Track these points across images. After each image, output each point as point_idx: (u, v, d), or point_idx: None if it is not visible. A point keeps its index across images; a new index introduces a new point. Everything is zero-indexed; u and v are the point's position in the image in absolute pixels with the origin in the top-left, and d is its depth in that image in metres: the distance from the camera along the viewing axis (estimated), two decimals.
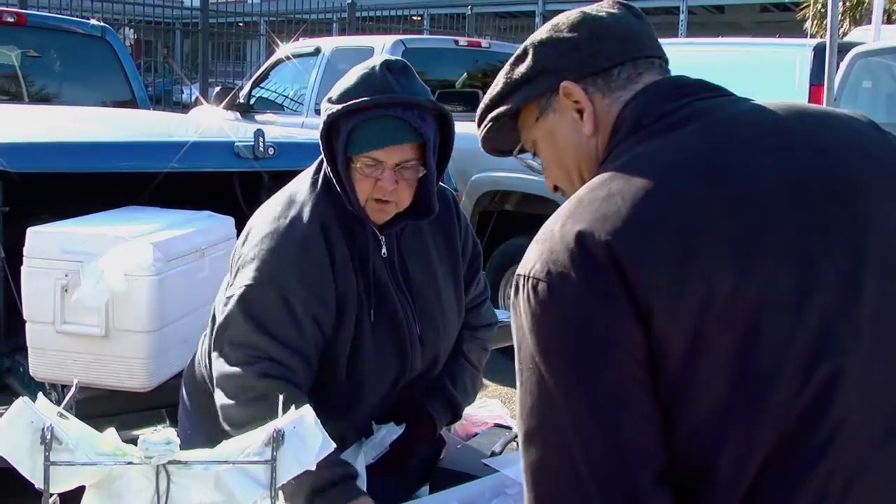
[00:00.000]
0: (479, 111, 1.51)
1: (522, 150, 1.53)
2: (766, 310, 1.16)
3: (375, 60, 2.07)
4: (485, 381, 6.72)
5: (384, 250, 2.12)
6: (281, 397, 1.58)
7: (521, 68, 1.44)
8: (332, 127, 2.02)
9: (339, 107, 2.00)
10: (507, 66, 1.47)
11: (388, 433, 2.15)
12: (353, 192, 2.03)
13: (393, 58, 2.09)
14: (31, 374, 3.20)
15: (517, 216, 7.30)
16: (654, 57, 1.43)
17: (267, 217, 2.10)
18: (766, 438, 1.16)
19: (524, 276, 1.22)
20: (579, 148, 1.40)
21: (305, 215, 2.05)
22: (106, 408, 3.05)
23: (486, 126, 1.51)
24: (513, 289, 1.25)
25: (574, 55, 1.40)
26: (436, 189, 2.13)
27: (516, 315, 1.24)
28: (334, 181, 2.05)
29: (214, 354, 2.03)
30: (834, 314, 1.18)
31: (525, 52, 1.45)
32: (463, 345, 2.33)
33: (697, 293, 1.15)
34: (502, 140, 1.52)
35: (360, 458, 2.09)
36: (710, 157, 1.26)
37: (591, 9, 1.45)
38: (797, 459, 1.16)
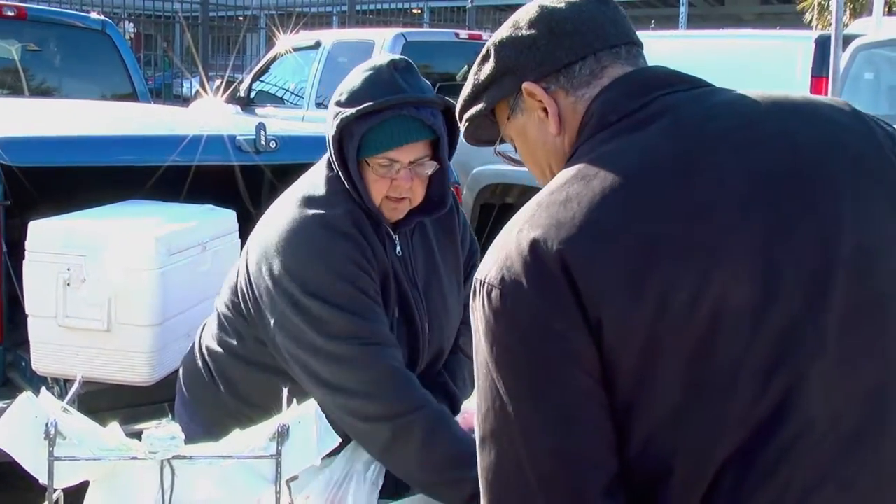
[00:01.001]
0: (457, 108, 1.50)
1: (504, 142, 1.51)
2: (724, 317, 1.14)
3: (379, 60, 2.07)
4: None
5: (398, 249, 2.13)
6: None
7: (486, 70, 1.41)
8: (344, 130, 2.02)
9: (353, 110, 2.00)
10: (475, 66, 1.44)
11: None
12: (368, 193, 2.04)
13: (397, 56, 2.11)
14: (33, 368, 3.20)
15: (519, 209, 7.31)
16: (620, 45, 1.37)
17: (295, 220, 2.06)
18: (723, 445, 1.15)
19: (480, 282, 1.21)
20: (547, 146, 1.37)
21: (337, 210, 2.06)
22: (109, 402, 3.04)
23: (464, 124, 1.50)
24: (471, 293, 1.24)
25: (533, 54, 1.36)
26: (450, 180, 2.15)
27: (474, 319, 1.23)
28: (346, 182, 2.05)
29: (311, 355, 1.97)
30: (798, 321, 1.16)
31: (488, 53, 1.42)
32: (461, 339, 2.34)
33: (651, 302, 1.13)
34: (483, 133, 1.50)
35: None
36: (673, 158, 1.22)
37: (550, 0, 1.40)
38: (755, 466, 1.14)
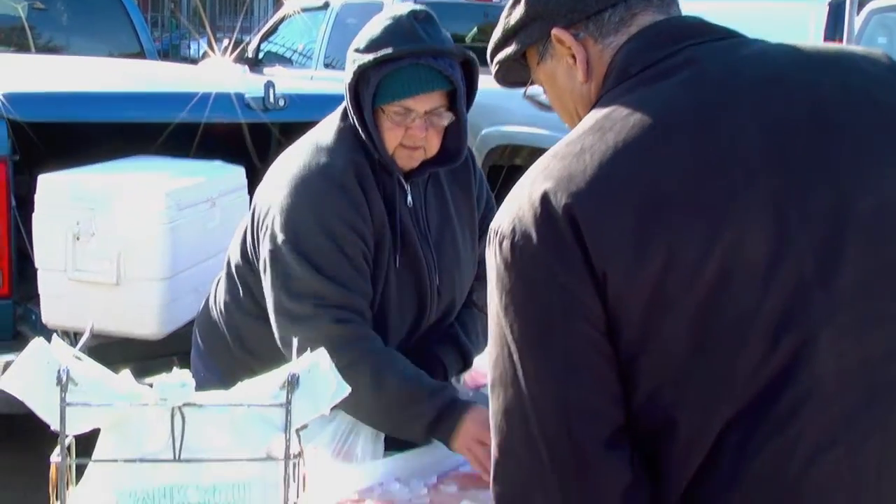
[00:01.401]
0: (488, 51, 1.49)
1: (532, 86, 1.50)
2: (733, 276, 1.13)
3: (400, 9, 2.07)
4: None
5: (409, 199, 2.13)
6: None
7: (516, 14, 1.40)
8: (361, 76, 2.02)
9: (371, 57, 2.00)
10: (505, 10, 1.43)
11: None
12: (381, 141, 2.04)
13: (418, 6, 2.10)
14: (43, 321, 3.22)
15: (526, 169, 7.29)
16: None
17: (299, 166, 2.09)
18: (729, 402, 1.15)
19: (494, 231, 1.22)
20: (574, 93, 1.37)
21: (339, 162, 2.07)
22: (118, 356, 3.06)
23: (494, 66, 1.49)
24: (486, 240, 1.25)
25: (563, 0, 1.34)
26: (466, 132, 2.14)
27: (487, 268, 1.24)
28: (361, 130, 2.05)
29: (273, 310, 2.02)
30: (808, 283, 1.15)
31: None
32: (475, 294, 2.34)
33: (658, 259, 1.13)
34: (513, 77, 1.49)
35: None
36: (691, 111, 1.21)
37: None
38: (761, 426, 1.14)
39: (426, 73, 2.00)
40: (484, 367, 2.68)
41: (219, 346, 2.17)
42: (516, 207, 1.20)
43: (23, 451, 2.43)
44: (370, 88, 2.01)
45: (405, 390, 1.94)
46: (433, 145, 2.09)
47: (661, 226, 1.14)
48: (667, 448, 1.17)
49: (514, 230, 1.18)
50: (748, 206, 1.15)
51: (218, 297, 2.28)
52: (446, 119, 2.07)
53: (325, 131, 2.14)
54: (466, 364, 2.29)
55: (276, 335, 2.02)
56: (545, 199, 1.17)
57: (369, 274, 2.05)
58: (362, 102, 2.03)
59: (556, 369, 1.17)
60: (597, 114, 1.25)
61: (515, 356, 1.18)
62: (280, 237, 2.01)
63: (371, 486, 1.86)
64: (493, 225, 1.23)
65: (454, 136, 2.13)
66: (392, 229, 2.10)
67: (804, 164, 1.18)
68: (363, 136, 2.06)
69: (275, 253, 2.02)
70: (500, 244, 1.19)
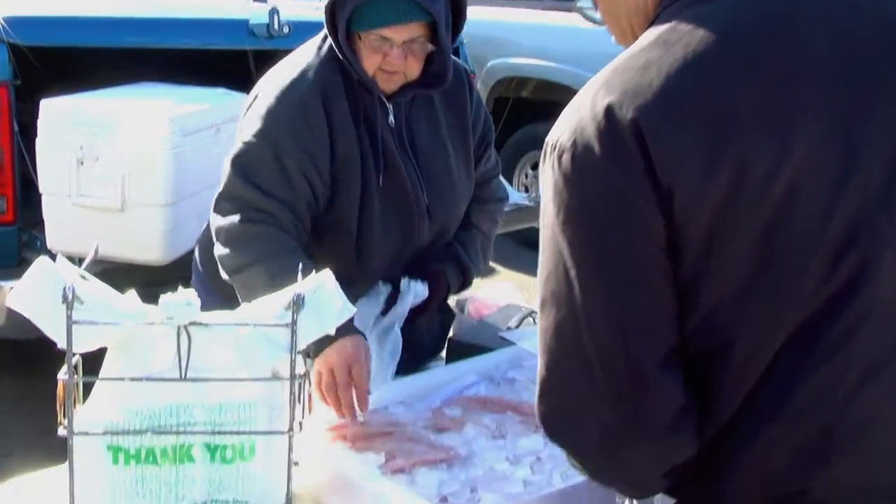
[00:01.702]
0: None
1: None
2: (801, 193, 1.11)
3: None
4: (497, 267, 6.77)
5: (391, 118, 2.12)
6: (301, 265, 1.59)
7: None
8: (337, 1, 2.00)
9: None
10: None
11: (416, 294, 2.14)
12: (360, 65, 2.03)
13: None
14: (48, 247, 3.21)
15: (533, 103, 7.22)
16: None
17: (270, 80, 2.12)
18: (786, 322, 1.14)
19: (551, 145, 1.19)
20: (629, 4, 1.31)
21: (307, 79, 2.07)
22: (122, 282, 3.06)
23: None
24: (542, 154, 1.22)
25: None
26: (450, 60, 2.12)
27: (542, 181, 1.21)
28: (338, 52, 2.04)
29: (212, 209, 2.09)
30: (874, 202, 1.13)
31: None
32: (473, 215, 2.34)
33: (726, 175, 1.11)
34: None
35: (396, 326, 2.10)
36: (758, 23, 1.18)
37: None
38: (817, 345, 1.13)
39: (403, 4, 1.98)
40: (487, 300, 2.69)
41: (217, 269, 2.17)
42: (576, 121, 1.17)
43: (32, 378, 2.44)
44: (345, 13, 1.99)
45: None
46: (413, 71, 2.07)
47: (730, 141, 1.12)
48: (718, 373, 1.16)
49: (575, 143, 1.15)
50: (818, 121, 1.13)
51: None
52: (426, 49, 2.05)
53: (307, 49, 2.15)
54: (466, 281, 2.29)
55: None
56: (609, 112, 1.14)
57: (305, 187, 2.05)
58: (338, 26, 2.02)
59: (614, 285, 1.15)
60: (658, 28, 1.21)
61: (572, 272, 1.15)
62: (235, 145, 2.08)
63: (375, 408, 1.87)
64: (549, 139, 1.20)
65: (439, 61, 2.10)
66: (374, 148, 2.09)
67: (872, 77, 1.16)
68: (341, 58, 2.05)
69: (230, 157, 2.08)
70: (560, 157, 1.17)
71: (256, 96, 2.11)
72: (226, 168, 2.07)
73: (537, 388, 1.21)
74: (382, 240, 2.11)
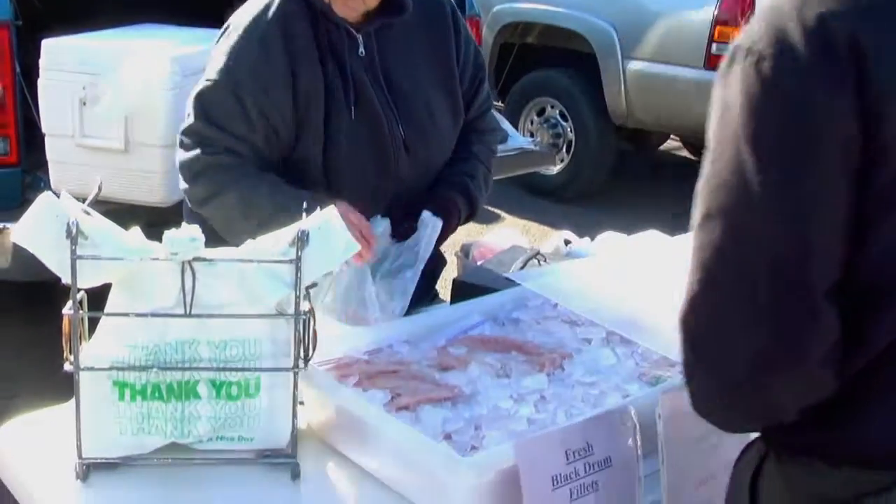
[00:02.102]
0: None
1: None
2: None
3: None
4: (501, 213, 6.76)
5: (361, 49, 2.09)
6: (304, 204, 1.60)
7: None
8: None
9: None
10: None
11: (433, 228, 2.11)
12: None
13: None
14: (52, 188, 3.21)
15: (538, 49, 7.17)
16: None
17: (237, 15, 2.13)
18: None
19: (746, 49, 1.12)
20: None
21: (269, 13, 2.06)
22: (125, 224, 3.06)
23: None
24: (726, 59, 1.15)
25: None
26: None
27: (725, 87, 1.14)
28: None
29: (177, 144, 2.12)
30: None
31: None
32: (472, 146, 2.32)
33: None
34: None
35: (419, 264, 2.10)
36: None
37: None
38: None
39: None
40: (491, 245, 2.67)
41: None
42: (779, 27, 1.10)
43: (38, 323, 2.45)
44: None
45: (274, 208, 1.94)
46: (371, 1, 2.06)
47: None
48: (882, 313, 1.12)
49: (779, 52, 1.09)
50: None
51: None
52: None
53: None
54: (473, 212, 2.26)
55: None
56: (823, 21, 1.08)
57: (264, 125, 2.05)
58: None
59: (797, 203, 1.09)
60: None
61: (753, 184, 1.09)
62: (199, 82, 2.10)
63: (380, 347, 1.87)
64: (741, 43, 1.14)
65: None
66: (343, 81, 2.08)
67: None
68: None
69: (192, 95, 2.10)
70: (757, 64, 1.10)
71: (224, 31, 2.13)
72: (189, 104, 2.09)
73: (685, 307, 1.16)
74: (354, 176, 2.10)
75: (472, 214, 2.28)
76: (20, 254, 3.15)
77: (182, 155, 2.08)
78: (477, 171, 2.30)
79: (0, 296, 4.18)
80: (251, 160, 2.05)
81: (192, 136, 2.06)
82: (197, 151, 2.04)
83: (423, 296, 2.29)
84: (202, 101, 2.07)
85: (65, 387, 1.55)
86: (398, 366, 1.79)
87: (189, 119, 2.08)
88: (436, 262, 2.36)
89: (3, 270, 3.48)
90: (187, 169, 2.07)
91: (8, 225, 3.24)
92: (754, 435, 1.31)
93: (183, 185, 2.09)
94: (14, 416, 1.75)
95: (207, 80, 2.07)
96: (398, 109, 2.13)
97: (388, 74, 2.14)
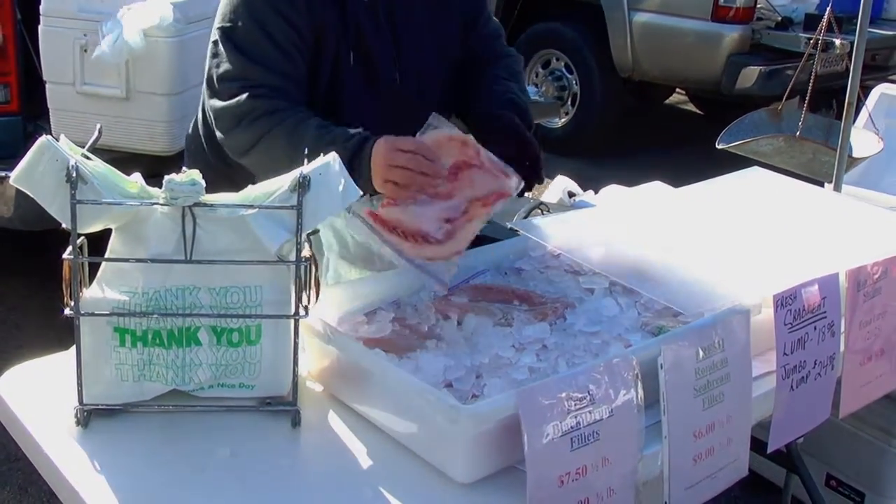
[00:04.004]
0: None
1: None
2: None
3: None
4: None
5: None
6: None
7: None
8: None
9: None
10: None
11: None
12: None
13: None
14: (53, 135, 3.19)
15: (544, 1, 7.10)
16: None
17: None
18: None
19: None
20: None
21: None
22: (127, 172, 3.05)
23: None
24: None
25: None
26: None
27: None
28: None
29: (208, 95, 2.07)
30: None
31: None
32: (500, 71, 2.24)
33: None
34: None
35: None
36: None
37: None
38: None
39: None
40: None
41: (200, 157, 2.15)
42: None
43: (42, 274, 2.44)
44: None
45: (318, 145, 1.81)
46: None
47: None
48: None
49: None
50: None
51: (202, 105, 2.26)
52: None
53: None
54: (526, 121, 2.15)
55: (206, 105, 2.10)
56: None
57: (300, 59, 2.03)
58: None
59: None
60: None
61: None
62: (218, 25, 2.05)
63: (381, 308, 1.85)
64: None
65: None
66: (343, 23, 2.05)
67: None
68: None
69: (214, 39, 2.06)
70: None
71: None
72: (215, 51, 2.04)
73: None
74: (355, 120, 2.08)
75: (526, 124, 2.15)
76: (22, 203, 3.14)
77: (219, 103, 2.02)
78: (520, 92, 2.22)
79: (3, 245, 4.19)
80: (295, 98, 2.01)
81: (234, 81, 2.01)
82: (242, 96, 1.98)
83: None
84: (234, 42, 2.02)
85: (69, 335, 1.54)
86: (400, 333, 1.77)
87: (223, 64, 2.02)
88: None
89: (6, 219, 3.47)
90: (231, 115, 2.00)
91: (9, 173, 3.22)
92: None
93: (226, 132, 2.03)
94: (19, 364, 1.75)
95: (229, 23, 2.03)
96: (402, 53, 2.10)
97: (396, 22, 2.11)
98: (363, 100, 2.08)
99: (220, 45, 2.03)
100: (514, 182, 1.94)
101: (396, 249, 1.90)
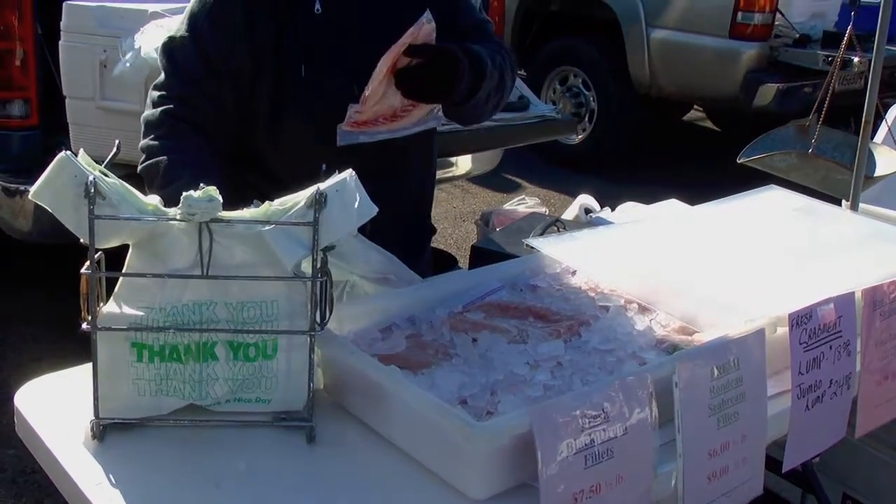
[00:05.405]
0: None
1: None
2: None
3: None
4: (523, 182, 6.74)
5: (318, 6, 2.08)
6: None
7: None
8: None
9: None
10: None
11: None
12: None
13: None
14: (72, 150, 3.21)
15: (562, 17, 7.12)
16: None
17: None
18: None
19: None
20: None
21: None
22: (143, 189, 3.07)
23: None
24: None
25: None
26: None
27: None
28: None
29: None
30: None
31: None
32: (494, 52, 2.17)
33: None
34: None
35: None
36: None
37: None
38: None
39: None
40: (512, 212, 2.67)
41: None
42: None
43: (60, 287, 2.45)
44: None
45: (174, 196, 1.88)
46: None
47: None
48: None
49: None
50: None
51: None
52: None
53: None
54: (479, 72, 2.07)
55: None
56: None
57: (228, 80, 2.07)
58: None
59: None
60: None
61: None
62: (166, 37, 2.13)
63: (394, 323, 1.85)
64: None
65: None
66: (294, 39, 2.07)
67: None
68: None
69: (159, 47, 2.14)
70: None
71: None
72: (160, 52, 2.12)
73: None
74: (297, 135, 2.11)
75: (478, 75, 2.08)
76: (41, 217, 3.16)
77: (145, 110, 2.10)
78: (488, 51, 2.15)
79: (22, 258, 4.22)
80: (211, 118, 2.06)
81: (159, 90, 2.09)
82: (157, 110, 2.05)
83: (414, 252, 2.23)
84: (169, 53, 2.10)
85: (86, 350, 1.55)
86: (414, 351, 1.77)
87: (160, 73, 2.10)
88: (423, 233, 2.35)
89: (25, 233, 3.50)
90: (145, 123, 2.09)
91: (29, 187, 3.24)
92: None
93: (141, 140, 2.10)
94: (36, 378, 1.76)
95: (175, 33, 2.09)
96: (359, 64, 2.01)
97: (350, 32, 2.11)
98: (311, 116, 2.10)
99: (160, 52, 2.11)
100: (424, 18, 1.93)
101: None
